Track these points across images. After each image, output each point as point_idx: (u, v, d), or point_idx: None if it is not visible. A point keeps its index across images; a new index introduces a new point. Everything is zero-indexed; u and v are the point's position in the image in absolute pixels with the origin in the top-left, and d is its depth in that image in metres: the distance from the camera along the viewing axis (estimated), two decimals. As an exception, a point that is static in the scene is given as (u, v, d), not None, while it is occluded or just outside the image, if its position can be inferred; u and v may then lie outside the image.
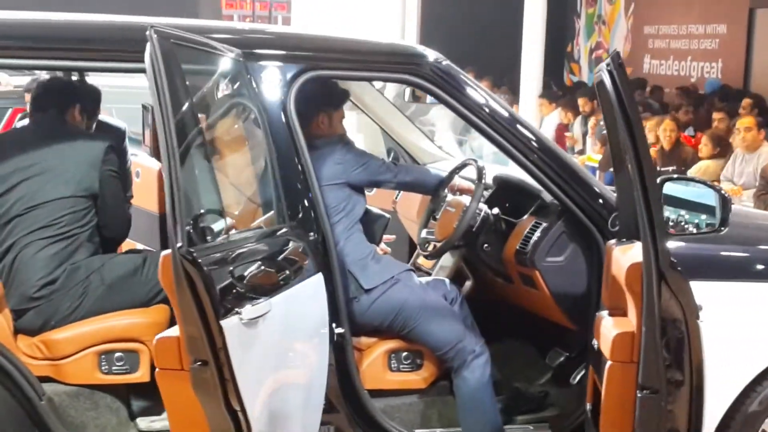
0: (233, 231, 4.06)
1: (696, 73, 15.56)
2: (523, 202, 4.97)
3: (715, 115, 10.81)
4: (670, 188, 4.50)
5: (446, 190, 5.10)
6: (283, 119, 4.25)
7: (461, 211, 4.81)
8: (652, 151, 10.26)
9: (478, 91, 4.54)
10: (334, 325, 4.11)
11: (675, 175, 4.86)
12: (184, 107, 3.62)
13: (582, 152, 12.45)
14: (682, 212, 4.53)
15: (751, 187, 8.95)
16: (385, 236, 5.46)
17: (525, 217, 4.83)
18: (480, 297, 5.18)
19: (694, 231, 4.39)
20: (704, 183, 4.69)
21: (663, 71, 16.28)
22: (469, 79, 4.60)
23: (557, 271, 4.48)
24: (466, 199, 4.87)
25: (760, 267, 4.35)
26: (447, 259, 5.15)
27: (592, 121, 12.73)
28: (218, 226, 3.71)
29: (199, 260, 3.23)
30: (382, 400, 4.43)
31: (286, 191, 4.13)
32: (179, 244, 3.18)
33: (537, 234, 4.61)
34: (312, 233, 4.15)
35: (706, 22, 15.56)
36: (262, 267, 3.69)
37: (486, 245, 4.91)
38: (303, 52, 4.55)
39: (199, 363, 3.36)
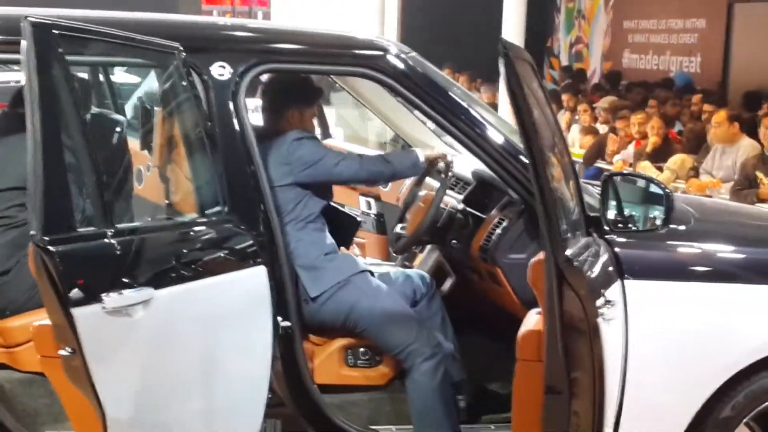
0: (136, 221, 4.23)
1: (675, 67, 15.63)
2: (495, 198, 4.95)
3: (706, 107, 10.89)
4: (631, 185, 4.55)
5: (421, 186, 5.12)
6: (231, 116, 4.22)
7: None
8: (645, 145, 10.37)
9: (445, 88, 4.47)
10: (279, 318, 4.07)
11: (622, 171, 4.70)
12: (63, 98, 3.54)
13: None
14: (638, 208, 4.49)
15: (730, 180, 8.98)
16: (356, 239, 5.53)
17: (492, 212, 4.79)
18: (462, 294, 5.13)
19: (635, 229, 4.33)
20: (649, 179, 4.64)
21: (642, 66, 16.35)
22: (437, 74, 4.54)
23: (520, 268, 4.33)
24: (446, 197, 4.87)
25: (709, 268, 4.33)
26: (428, 256, 5.13)
27: (566, 115, 12.77)
28: (95, 215, 3.61)
29: (52, 248, 3.19)
30: (338, 396, 4.42)
31: (229, 186, 4.07)
32: (33, 232, 3.18)
33: (499, 230, 4.59)
34: (255, 227, 4.10)
35: (686, 16, 15.63)
36: (149, 256, 3.71)
37: (454, 241, 4.90)
38: (253, 45, 4.53)
39: (69, 351, 3.31)
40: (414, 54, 4.56)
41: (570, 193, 4.08)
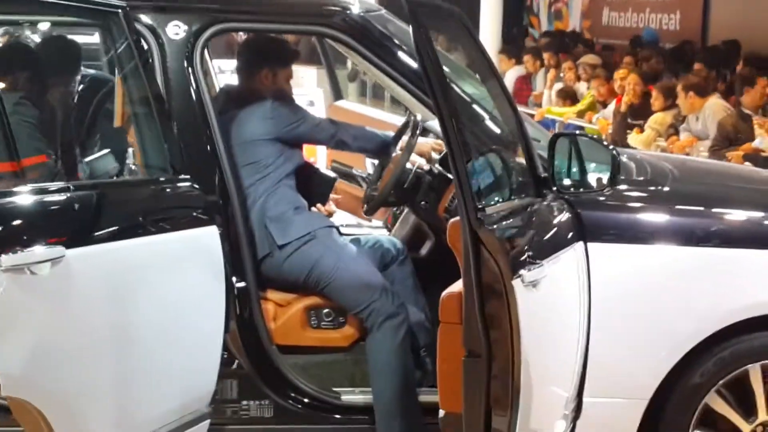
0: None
1: (655, 25, 15.55)
2: None
3: (696, 66, 10.85)
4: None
5: (397, 150, 5.02)
6: (186, 77, 4.21)
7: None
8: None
9: (404, 48, 4.38)
10: (235, 279, 4.07)
11: (569, 132, 4.63)
12: None
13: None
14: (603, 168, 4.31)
15: (705, 139, 9.02)
16: (332, 196, 5.46)
17: None
18: (441, 257, 4.99)
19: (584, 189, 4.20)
20: (595, 140, 4.59)
21: (622, 23, 16.28)
22: (403, 34, 4.39)
23: None
24: (415, 158, 4.85)
25: (676, 230, 4.20)
26: (406, 218, 5.16)
27: (551, 72, 12.72)
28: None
29: None
30: (300, 357, 4.40)
31: (183, 148, 4.05)
32: None
33: None
34: (210, 188, 4.08)
35: (665, -23, 15.58)
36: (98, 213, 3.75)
37: (424, 202, 4.85)
38: (209, 5, 4.44)
39: None
40: (380, 12, 4.49)
41: (513, 153, 4.11)
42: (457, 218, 3.77)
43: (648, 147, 9.15)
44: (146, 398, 3.81)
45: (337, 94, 7.91)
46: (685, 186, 4.75)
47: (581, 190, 4.11)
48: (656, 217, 4.27)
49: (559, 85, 12.38)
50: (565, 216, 4.00)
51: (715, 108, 8.92)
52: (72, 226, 3.64)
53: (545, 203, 3.96)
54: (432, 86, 3.52)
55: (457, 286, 3.84)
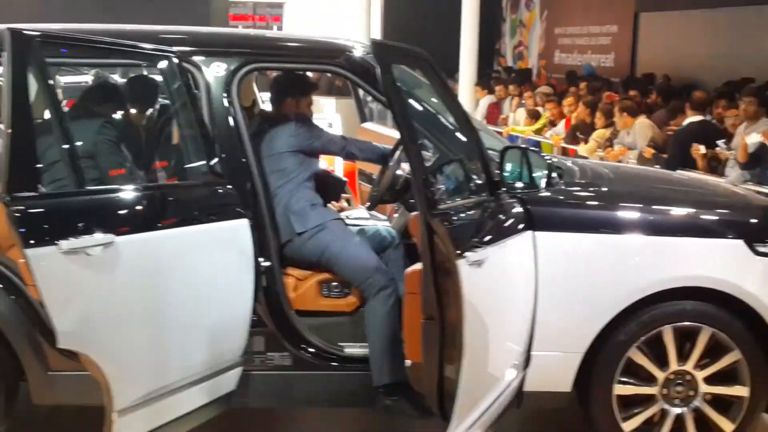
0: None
1: (595, 63, 15.53)
2: None
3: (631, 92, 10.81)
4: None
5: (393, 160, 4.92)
6: (225, 104, 4.18)
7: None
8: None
9: (408, 82, 4.35)
10: (261, 259, 4.04)
11: (515, 145, 4.54)
12: (38, 92, 3.52)
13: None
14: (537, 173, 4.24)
15: (633, 149, 8.96)
16: (343, 195, 5.49)
17: None
18: None
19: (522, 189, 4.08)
20: (536, 151, 4.42)
21: (569, 62, 16.16)
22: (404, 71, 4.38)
23: None
24: (406, 167, 4.72)
25: (604, 221, 4.13)
26: (401, 214, 5.03)
27: (515, 100, 12.72)
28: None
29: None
30: (314, 319, 4.33)
31: (223, 159, 4.06)
32: None
33: None
34: (243, 189, 4.07)
35: (602, 23, 15.53)
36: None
37: (411, 200, 4.71)
38: (243, 49, 4.42)
39: None
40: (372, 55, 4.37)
41: (472, 162, 4.03)
42: (417, 213, 3.83)
43: (591, 155, 9.05)
44: (188, 350, 3.76)
45: (363, 117, 7.81)
46: (617, 186, 4.63)
47: (527, 189, 4.01)
48: (591, 211, 4.24)
49: (521, 110, 12.21)
50: (516, 210, 3.96)
51: (641, 125, 8.81)
52: (132, 218, 3.60)
53: (498, 201, 3.90)
54: (395, 115, 3.50)
55: (419, 265, 3.79)
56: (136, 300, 3.51)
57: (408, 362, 3.94)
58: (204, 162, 4.02)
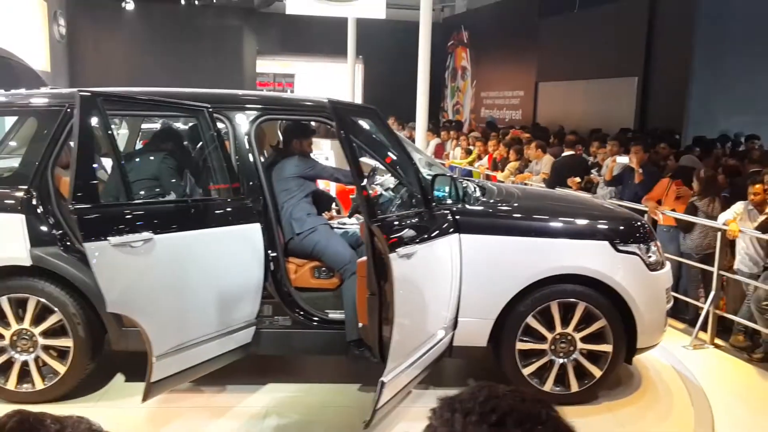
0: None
1: (507, 117, 15.42)
2: None
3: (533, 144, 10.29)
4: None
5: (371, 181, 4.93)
6: (246, 144, 4.17)
7: None
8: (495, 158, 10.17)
9: (359, 126, 4.35)
10: (270, 251, 4.04)
11: (442, 173, 4.41)
12: (103, 141, 3.59)
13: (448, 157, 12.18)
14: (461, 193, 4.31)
15: (537, 175, 8.78)
16: (334, 206, 5.55)
17: None
18: None
19: (447, 202, 4.15)
20: (455, 178, 4.39)
21: (492, 116, 16.05)
22: (356, 119, 4.37)
23: None
24: (377, 188, 4.76)
25: (507, 227, 4.16)
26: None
27: (454, 142, 12.50)
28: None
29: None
30: (308, 294, 4.31)
31: (245, 182, 4.10)
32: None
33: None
34: (257, 203, 4.07)
35: (513, 89, 15.41)
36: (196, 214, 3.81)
37: (380, 212, 4.67)
38: (257, 105, 4.35)
39: None
40: (350, 108, 4.46)
41: (413, 186, 3.99)
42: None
43: (506, 180, 8.98)
44: (210, 314, 3.76)
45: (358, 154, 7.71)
46: (520, 203, 4.56)
47: (450, 204, 4.10)
48: (499, 220, 4.22)
49: (458, 149, 12.10)
50: (447, 218, 3.99)
51: (547, 159, 8.67)
52: (174, 221, 3.61)
53: (431, 212, 3.91)
54: (345, 153, 3.45)
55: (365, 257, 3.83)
56: (169, 279, 3.50)
57: (360, 324, 3.93)
58: (229, 185, 4.01)
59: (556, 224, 4.22)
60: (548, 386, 4.11)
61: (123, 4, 16.24)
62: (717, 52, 10.39)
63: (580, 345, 4.12)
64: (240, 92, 4.78)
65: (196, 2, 16.64)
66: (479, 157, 11.01)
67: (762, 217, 5.23)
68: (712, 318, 5.47)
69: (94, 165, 3.54)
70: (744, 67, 10.46)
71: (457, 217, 4.03)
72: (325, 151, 8.81)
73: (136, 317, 3.35)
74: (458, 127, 13.86)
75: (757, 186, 5.36)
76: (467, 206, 4.17)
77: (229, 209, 3.98)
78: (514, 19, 15.15)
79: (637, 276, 4.12)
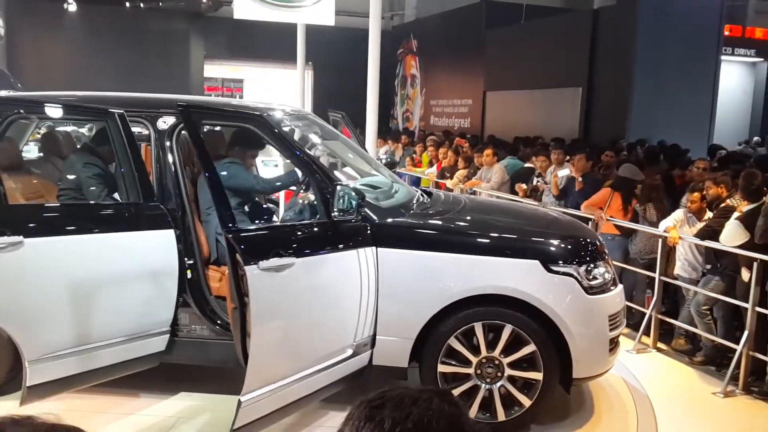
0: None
1: (455, 125, 15.53)
2: None
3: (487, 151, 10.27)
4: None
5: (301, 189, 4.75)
6: (168, 150, 3.99)
7: None
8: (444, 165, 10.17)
9: (288, 136, 3.99)
10: (187, 258, 3.87)
11: (344, 184, 3.73)
12: None
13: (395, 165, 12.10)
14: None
15: (487, 182, 8.69)
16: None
17: None
18: None
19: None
20: (356, 189, 3.78)
21: (441, 124, 16.13)
22: (287, 129, 4.14)
23: None
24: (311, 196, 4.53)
25: (428, 241, 3.77)
26: None
27: (401, 150, 12.47)
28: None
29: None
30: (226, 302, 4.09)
31: (160, 185, 3.94)
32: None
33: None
34: (175, 210, 3.89)
35: (462, 98, 15.55)
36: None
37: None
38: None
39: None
40: (277, 117, 4.17)
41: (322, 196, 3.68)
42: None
43: (454, 187, 8.94)
44: (115, 320, 3.66)
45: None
46: (456, 215, 4.19)
47: (349, 216, 3.59)
48: (413, 233, 3.83)
49: (407, 156, 12.11)
50: (360, 230, 3.66)
51: (498, 168, 8.58)
52: (54, 225, 3.52)
53: (334, 224, 3.57)
54: (199, 159, 3.36)
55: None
56: (42, 283, 3.40)
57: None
58: (137, 190, 3.82)
59: (481, 240, 3.82)
60: (473, 413, 3.71)
61: (65, 5, 15.72)
62: (657, 64, 10.71)
63: (508, 371, 3.73)
64: (164, 96, 4.40)
65: (141, 5, 16.24)
66: (430, 163, 11.05)
67: (700, 224, 5.37)
68: (654, 322, 5.59)
69: None
70: (682, 78, 10.82)
71: (374, 229, 3.69)
72: (276, 159, 8.67)
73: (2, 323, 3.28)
74: (407, 135, 13.91)
75: (695, 194, 5.50)
76: (388, 219, 3.80)
77: (134, 214, 3.78)
78: (461, 29, 15.30)
79: (571, 300, 3.68)
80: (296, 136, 6.41)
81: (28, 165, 4.58)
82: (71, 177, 4.16)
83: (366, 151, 5.69)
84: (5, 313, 3.28)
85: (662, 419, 4.21)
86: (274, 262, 3.20)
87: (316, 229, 3.62)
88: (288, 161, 4.43)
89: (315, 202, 3.82)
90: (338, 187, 3.54)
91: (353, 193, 3.53)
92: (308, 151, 4.16)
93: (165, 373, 4.11)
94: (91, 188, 4.07)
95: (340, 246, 3.56)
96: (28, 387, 3.32)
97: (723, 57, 11.45)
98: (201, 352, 4.01)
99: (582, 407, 4.29)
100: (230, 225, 3.13)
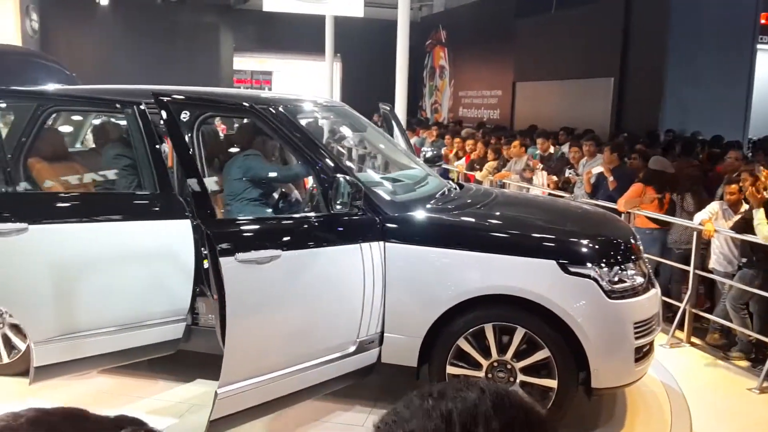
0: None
1: (485, 116, 15.41)
2: None
3: (515, 142, 10.25)
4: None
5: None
6: (191, 139, 4.14)
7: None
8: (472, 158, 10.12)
9: (294, 125, 3.70)
10: (204, 248, 3.81)
11: (344, 176, 3.44)
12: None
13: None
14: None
15: (517, 174, 8.63)
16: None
17: None
18: None
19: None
20: (354, 182, 3.60)
21: (470, 115, 16.06)
22: (294, 119, 3.83)
23: None
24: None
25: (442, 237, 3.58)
26: None
27: (431, 139, 12.39)
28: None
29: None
30: None
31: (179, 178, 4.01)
32: None
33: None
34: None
35: (491, 89, 15.42)
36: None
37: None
38: (198, 102, 4.03)
39: None
40: (281, 108, 3.89)
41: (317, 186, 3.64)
42: None
43: (484, 179, 8.88)
44: (128, 306, 3.70)
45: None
46: (475, 209, 3.95)
47: (346, 210, 3.42)
48: (423, 229, 3.64)
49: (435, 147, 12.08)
50: (366, 224, 3.53)
51: (524, 158, 8.56)
52: (61, 212, 3.57)
53: (333, 217, 3.45)
54: (176, 152, 3.49)
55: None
56: (47, 269, 3.45)
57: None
58: (154, 179, 3.85)
59: (493, 237, 3.60)
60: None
61: (97, 0, 15.98)
62: (691, 53, 10.50)
63: (520, 377, 3.54)
64: (180, 89, 4.24)
65: (172, -1, 16.47)
66: (457, 156, 11.00)
67: (736, 217, 5.28)
68: (688, 316, 5.51)
69: None
70: (717, 67, 10.59)
71: (383, 224, 3.54)
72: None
73: (3, 305, 3.38)
74: (437, 126, 13.85)
75: (733, 186, 5.40)
76: (399, 213, 3.62)
77: (151, 203, 3.78)
78: (491, 19, 15.17)
79: (589, 304, 3.41)
80: (325, 128, 6.40)
81: (77, 156, 4.65)
82: (104, 168, 4.23)
83: (409, 144, 5.54)
84: (7, 296, 3.42)
85: (696, 415, 4.15)
86: (255, 254, 3.08)
87: (309, 221, 3.48)
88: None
89: (315, 196, 3.76)
90: (339, 180, 3.36)
91: (349, 186, 3.35)
92: (323, 142, 4.04)
93: (184, 360, 4.19)
94: (121, 179, 4.14)
95: (339, 240, 3.43)
96: (36, 367, 3.41)
97: (759, 45, 11.16)
98: (217, 340, 4.05)
99: (613, 401, 4.25)
100: (208, 212, 3.05)
